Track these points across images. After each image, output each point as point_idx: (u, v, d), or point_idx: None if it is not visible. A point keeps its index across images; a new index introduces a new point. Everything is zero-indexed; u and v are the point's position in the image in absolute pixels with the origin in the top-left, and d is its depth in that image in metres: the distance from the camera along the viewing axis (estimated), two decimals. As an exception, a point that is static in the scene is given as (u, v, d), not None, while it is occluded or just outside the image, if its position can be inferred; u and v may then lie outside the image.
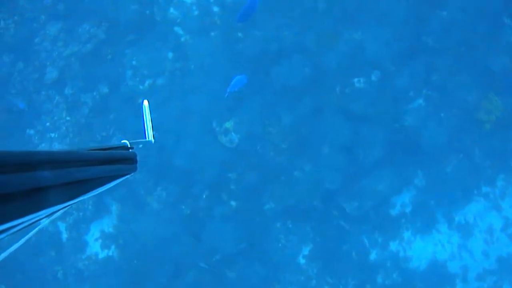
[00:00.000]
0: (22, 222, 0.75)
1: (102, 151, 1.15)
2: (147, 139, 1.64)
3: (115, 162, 1.18)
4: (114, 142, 1.39)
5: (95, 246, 9.91)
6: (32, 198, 0.77)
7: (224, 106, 9.58)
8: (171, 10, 10.00)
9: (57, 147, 9.78)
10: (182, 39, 9.90)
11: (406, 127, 9.33)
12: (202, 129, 9.57)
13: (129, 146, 1.36)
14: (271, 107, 9.60)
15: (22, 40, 10.14)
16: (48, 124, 9.92)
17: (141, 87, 9.85)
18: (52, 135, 9.78)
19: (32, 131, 9.95)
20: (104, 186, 1.09)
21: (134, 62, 9.85)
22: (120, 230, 9.82)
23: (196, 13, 9.96)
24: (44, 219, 0.89)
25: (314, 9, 9.46)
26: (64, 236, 9.90)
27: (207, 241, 9.57)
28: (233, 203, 9.63)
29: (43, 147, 9.85)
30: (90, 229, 9.94)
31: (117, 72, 9.85)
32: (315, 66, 9.59)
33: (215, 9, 9.97)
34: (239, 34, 9.80)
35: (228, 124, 9.60)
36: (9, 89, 9.97)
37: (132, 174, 1.27)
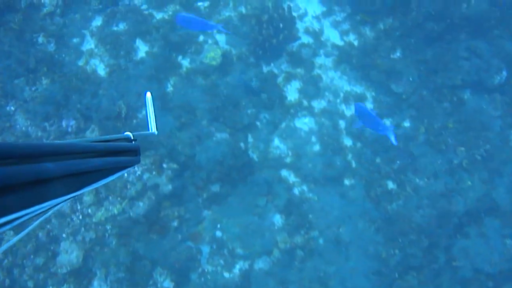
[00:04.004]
0: (25, 214, 0.76)
1: (104, 143, 1.16)
2: (150, 131, 1.59)
3: (118, 154, 1.18)
4: (116, 135, 1.24)
5: None
6: (35, 190, 0.78)
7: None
8: (276, 142, 6.31)
9: None
10: (297, 191, 6.14)
11: None
12: None
13: (132, 138, 1.32)
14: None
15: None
16: None
17: (227, 275, 5.89)
18: None
19: None
20: (107, 178, 1.08)
21: (217, 233, 5.87)
22: None
23: (316, 147, 6.31)
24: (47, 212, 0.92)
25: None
26: None
27: None
28: None
29: None
30: None
31: (187, 250, 5.79)
32: (518, 236, 5.97)
33: (347, 142, 6.36)
34: (391, 184, 6.10)
35: None
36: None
37: (135, 166, 1.25)
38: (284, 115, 6.66)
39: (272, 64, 6.93)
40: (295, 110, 6.68)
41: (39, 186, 0.79)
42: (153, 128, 1.62)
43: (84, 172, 0.96)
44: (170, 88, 6.86)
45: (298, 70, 6.88)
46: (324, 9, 7.16)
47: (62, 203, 0.92)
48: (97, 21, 7.48)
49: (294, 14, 6.96)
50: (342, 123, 6.68)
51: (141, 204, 6.09)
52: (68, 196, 0.91)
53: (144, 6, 7.49)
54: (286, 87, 6.82)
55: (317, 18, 7.13)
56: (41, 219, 0.97)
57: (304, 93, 6.78)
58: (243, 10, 7.25)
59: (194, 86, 6.80)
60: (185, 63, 7.00)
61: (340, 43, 7.00)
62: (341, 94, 6.81)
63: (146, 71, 6.96)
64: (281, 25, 6.50)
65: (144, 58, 7.07)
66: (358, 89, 6.84)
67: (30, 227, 1.02)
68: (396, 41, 6.90)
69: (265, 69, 6.91)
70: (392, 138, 5.28)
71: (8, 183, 0.70)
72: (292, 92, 6.80)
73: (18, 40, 7.42)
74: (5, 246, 0.92)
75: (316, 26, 7.10)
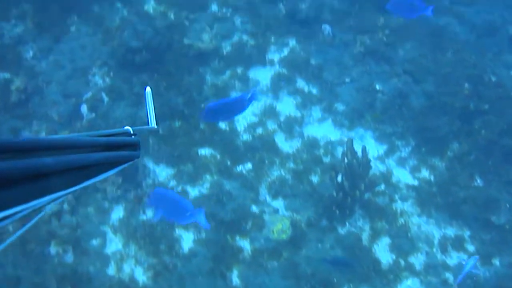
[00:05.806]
0: (24, 209, 0.76)
1: (104, 137, 1.13)
2: (150, 125, 1.55)
3: (118, 148, 1.14)
4: (116, 129, 1.21)
5: None
6: (34, 185, 0.77)
7: None
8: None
9: None
10: None
11: None
12: None
13: (132, 132, 1.29)
14: None
15: None
16: None
17: None
18: None
19: None
20: (107, 172, 1.06)
21: None
22: None
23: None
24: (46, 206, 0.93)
25: None
26: None
27: None
28: None
29: None
30: None
31: None
32: None
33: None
34: None
35: None
36: None
37: (135, 160, 1.21)
38: (385, 283, 5.57)
39: (347, 223, 5.96)
40: (395, 274, 5.63)
41: (38, 181, 0.78)
42: (153, 123, 1.55)
43: (84, 166, 0.94)
44: (237, 282, 5.58)
45: (380, 224, 5.94)
46: (385, 146, 6.46)
47: (61, 198, 0.92)
48: (118, 212, 6.22)
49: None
50: (449, 276, 5.70)
51: None
52: (67, 191, 0.90)
53: (173, 183, 6.38)
54: (374, 247, 5.81)
55: (379, 158, 6.39)
56: (40, 215, 0.99)
57: (396, 250, 5.79)
58: (293, 165, 6.37)
59: (268, 272, 5.59)
60: (247, 244, 5.83)
61: (414, 182, 6.24)
62: (435, 242, 5.90)
63: (202, 265, 5.69)
64: (358, 171, 5.63)
65: (194, 248, 5.83)
66: (450, 231, 5.98)
67: (30, 223, 1.02)
68: (472, 167, 6.27)
69: (341, 231, 5.90)
70: (202, 221, 4.31)
71: (5, 178, 0.69)
72: (383, 252, 5.80)
73: (25, 256, 5.94)
74: (5, 244, 0.90)
75: (381, 168, 6.34)
